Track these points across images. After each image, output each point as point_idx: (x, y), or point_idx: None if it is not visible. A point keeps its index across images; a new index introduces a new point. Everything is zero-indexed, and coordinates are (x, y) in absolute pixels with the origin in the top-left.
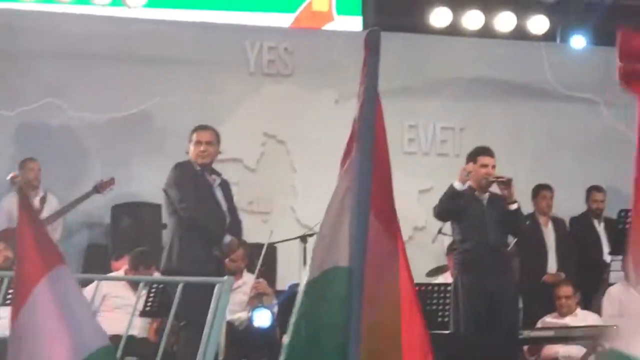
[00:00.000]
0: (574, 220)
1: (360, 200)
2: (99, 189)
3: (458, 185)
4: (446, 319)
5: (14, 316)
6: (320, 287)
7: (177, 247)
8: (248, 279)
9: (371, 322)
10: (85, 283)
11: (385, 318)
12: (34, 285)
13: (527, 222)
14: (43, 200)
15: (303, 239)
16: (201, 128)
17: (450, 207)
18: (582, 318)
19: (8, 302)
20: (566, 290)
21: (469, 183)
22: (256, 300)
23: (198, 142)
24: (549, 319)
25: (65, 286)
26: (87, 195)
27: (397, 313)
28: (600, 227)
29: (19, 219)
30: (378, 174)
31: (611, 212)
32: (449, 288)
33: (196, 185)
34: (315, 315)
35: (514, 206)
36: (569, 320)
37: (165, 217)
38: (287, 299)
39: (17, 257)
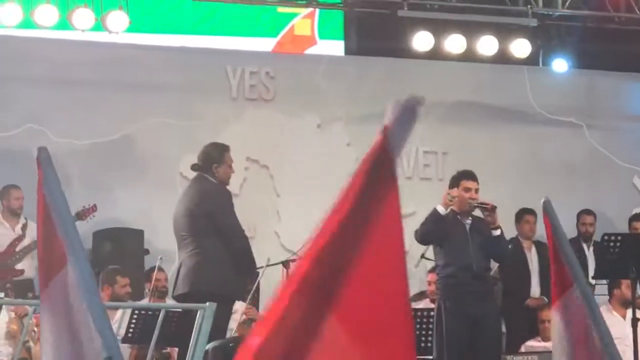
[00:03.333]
0: None
1: (89, 288)
2: (80, 215)
3: (441, 210)
4: (429, 344)
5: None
6: None
7: (214, 268)
8: (239, 306)
9: None
10: None
11: None
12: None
13: (510, 246)
14: (25, 227)
15: (286, 264)
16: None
17: (433, 230)
18: None
19: None
20: (549, 314)
21: (451, 207)
22: (246, 326)
23: (231, 166)
24: (532, 343)
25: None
26: None
27: None
28: (589, 251)
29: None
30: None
31: (595, 236)
32: (432, 313)
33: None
34: None
35: (497, 232)
36: (550, 345)
37: (185, 238)
38: None
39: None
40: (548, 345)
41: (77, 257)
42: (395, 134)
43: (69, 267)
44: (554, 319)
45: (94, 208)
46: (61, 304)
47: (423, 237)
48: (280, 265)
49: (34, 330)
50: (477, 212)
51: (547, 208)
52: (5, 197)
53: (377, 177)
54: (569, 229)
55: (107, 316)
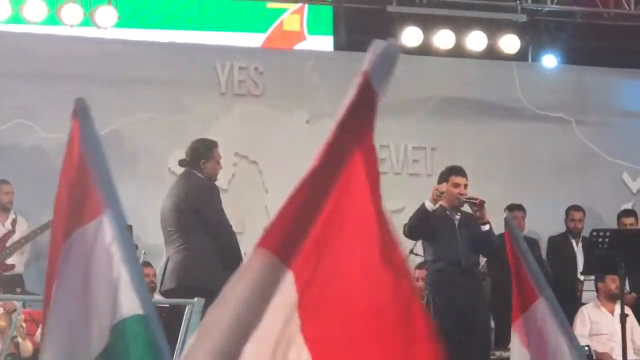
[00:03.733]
0: (552, 239)
1: (126, 246)
2: None
3: (429, 205)
4: None
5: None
6: (108, 350)
7: (202, 263)
8: None
9: None
10: None
11: None
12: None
13: (499, 242)
14: (15, 222)
15: None
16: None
17: (421, 226)
18: None
19: None
20: None
21: (440, 202)
22: None
23: (219, 162)
24: None
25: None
26: None
27: None
28: (578, 247)
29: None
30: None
31: (584, 232)
32: None
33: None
34: None
35: (486, 227)
36: None
37: (172, 234)
38: None
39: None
40: None
41: (115, 210)
42: (377, 73)
43: (105, 218)
44: (513, 340)
45: None
46: (83, 255)
47: (411, 232)
48: None
49: (22, 326)
50: (466, 208)
51: (509, 223)
52: None
53: (359, 114)
54: (558, 225)
55: (143, 272)
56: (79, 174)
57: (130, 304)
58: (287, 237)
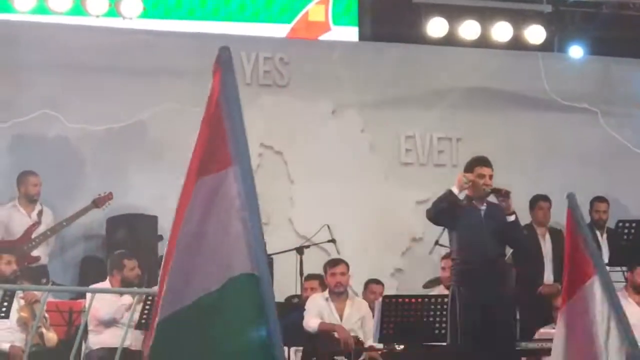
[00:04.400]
0: None
1: (251, 205)
2: (97, 203)
3: (455, 191)
4: (443, 331)
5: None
6: (215, 302)
7: None
8: None
9: None
10: (79, 296)
11: None
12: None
13: (525, 233)
14: (41, 213)
15: (299, 250)
16: None
17: (445, 209)
18: None
19: (2, 314)
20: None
21: (466, 192)
22: None
23: None
24: (546, 330)
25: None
26: (85, 210)
27: None
28: (602, 238)
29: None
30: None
31: (609, 223)
32: (445, 299)
33: None
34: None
35: (511, 218)
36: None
37: None
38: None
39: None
40: None
41: (243, 166)
42: None
43: (231, 171)
44: (559, 323)
45: (110, 196)
46: (205, 202)
47: (435, 215)
48: (294, 252)
49: (45, 317)
50: (492, 198)
51: (571, 202)
52: (23, 184)
53: None
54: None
55: (262, 233)
56: (215, 122)
57: (243, 262)
58: None
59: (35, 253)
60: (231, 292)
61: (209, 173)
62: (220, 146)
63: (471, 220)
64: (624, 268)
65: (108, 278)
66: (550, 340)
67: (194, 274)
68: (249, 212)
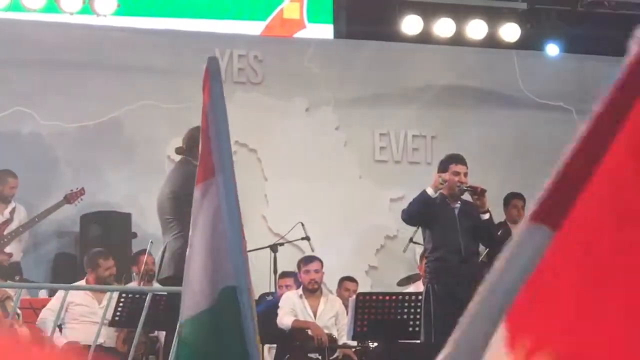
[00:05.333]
0: None
1: (231, 216)
2: (69, 199)
3: (430, 192)
4: (417, 329)
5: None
6: (213, 316)
7: None
8: None
9: None
10: (52, 292)
11: None
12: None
13: (500, 232)
14: (14, 211)
15: (274, 247)
16: None
17: (421, 212)
18: None
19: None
20: None
21: (440, 190)
22: None
23: None
24: None
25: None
26: (57, 206)
27: None
28: None
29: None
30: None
31: None
32: (420, 297)
33: None
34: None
35: (485, 216)
36: None
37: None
38: (264, 310)
39: None
40: None
41: (226, 178)
42: None
43: (214, 182)
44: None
45: (82, 191)
46: (195, 211)
47: (410, 217)
48: (269, 249)
49: (17, 313)
50: (466, 196)
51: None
52: (1, 183)
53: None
54: None
55: (244, 245)
56: (205, 132)
57: (227, 274)
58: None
59: (7, 250)
60: (222, 304)
61: (199, 181)
62: (208, 155)
63: (445, 217)
64: None
65: (84, 278)
66: None
67: (187, 291)
68: (230, 223)
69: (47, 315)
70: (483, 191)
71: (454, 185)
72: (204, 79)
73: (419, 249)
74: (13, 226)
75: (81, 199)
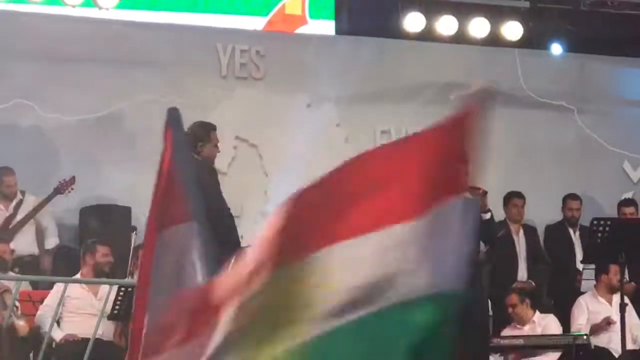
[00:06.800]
0: (549, 228)
1: (208, 262)
2: (60, 189)
3: None
4: None
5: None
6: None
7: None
8: None
9: None
10: (52, 285)
11: None
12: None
13: (502, 232)
14: (18, 205)
15: None
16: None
17: None
18: (542, 325)
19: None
20: (511, 299)
21: None
22: None
23: (216, 145)
24: (507, 331)
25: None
26: (49, 198)
27: None
28: (575, 236)
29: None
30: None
31: (584, 220)
32: None
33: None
34: None
35: (487, 215)
36: (528, 329)
37: None
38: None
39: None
40: (526, 329)
41: (201, 223)
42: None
43: (189, 227)
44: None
45: (72, 181)
46: (176, 250)
47: None
48: None
49: (16, 306)
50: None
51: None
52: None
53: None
54: (557, 214)
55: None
56: (169, 181)
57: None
58: None
59: (11, 245)
60: None
61: (173, 224)
62: (179, 199)
63: None
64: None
65: (81, 268)
66: (522, 337)
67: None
68: (207, 268)
69: (45, 312)
70: (485, 192)
71: None
72: (164, 128)
73: None
74: (17, 219)
75: (72, 188)
